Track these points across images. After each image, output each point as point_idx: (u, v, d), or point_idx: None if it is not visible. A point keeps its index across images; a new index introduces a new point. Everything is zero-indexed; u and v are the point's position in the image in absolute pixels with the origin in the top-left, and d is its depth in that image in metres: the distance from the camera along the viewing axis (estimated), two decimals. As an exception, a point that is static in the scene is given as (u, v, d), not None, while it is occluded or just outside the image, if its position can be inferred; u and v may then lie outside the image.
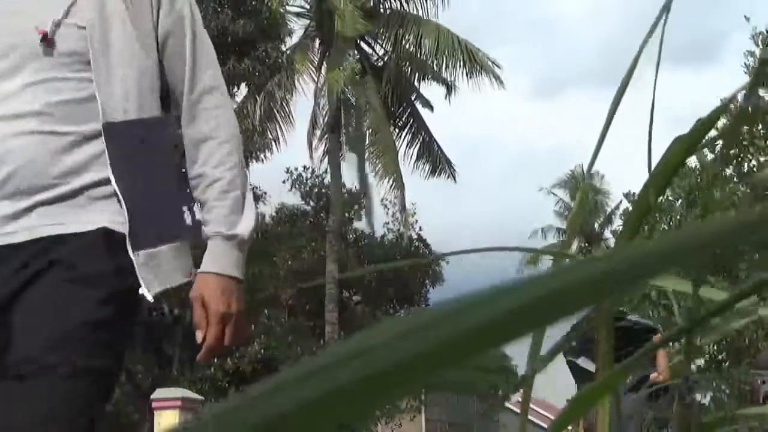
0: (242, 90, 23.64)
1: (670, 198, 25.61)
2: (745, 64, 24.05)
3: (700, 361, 24.66)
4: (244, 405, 0.31)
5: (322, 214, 30.65)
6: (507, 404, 57.29)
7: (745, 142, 24.37)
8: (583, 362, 5.89)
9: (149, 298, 2.31)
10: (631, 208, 0.81)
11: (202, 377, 25.96)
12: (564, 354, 6.40)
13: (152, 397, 18.59)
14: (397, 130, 27.95)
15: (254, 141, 22.31)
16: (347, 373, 0.31)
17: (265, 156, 22.81)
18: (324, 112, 27.69)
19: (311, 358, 0.32)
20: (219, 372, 26.67)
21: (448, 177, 28.35)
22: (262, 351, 26.61)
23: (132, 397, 20.47)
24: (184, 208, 2.58)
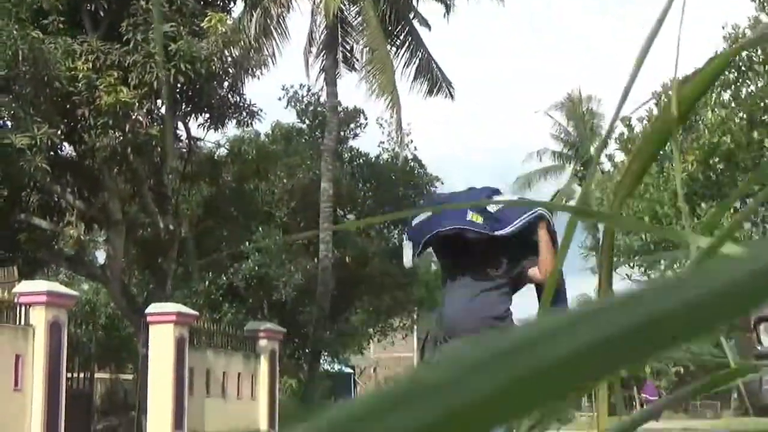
0: (239, 5, 23.40)
1: (666, 122, 25.54)
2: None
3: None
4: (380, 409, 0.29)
5: (317, 132, 30.57)
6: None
7: (743, 67, 24.24)
8: (406, 246, 5.97)
9: None
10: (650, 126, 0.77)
11: (196, 292, 26.13)
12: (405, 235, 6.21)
13: (147, 311, 18.78)
14: (394, 49, 27.75)
15: (250, 57, 22.12)
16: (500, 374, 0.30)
17: (261, 72, 22.60)
18: (320, 29, 27.48)
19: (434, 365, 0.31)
20: (213, 287, 26.83)
21: (446, 96, 28.23)
22: (256, 268, 26.76)
23: (127, 311, 20.60)
24: None
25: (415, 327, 39.02)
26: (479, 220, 5.99)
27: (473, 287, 6.11)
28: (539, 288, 6.19)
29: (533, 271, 6.08)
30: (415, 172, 31.87)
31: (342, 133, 30.48)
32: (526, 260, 6.10)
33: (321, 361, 30.29)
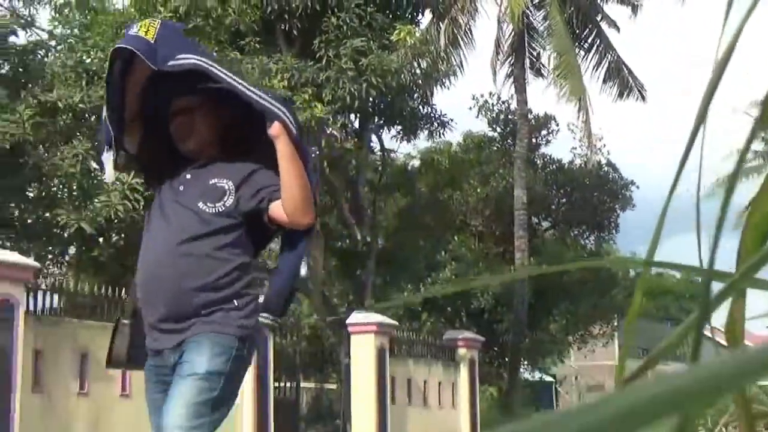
0: (426, 16, 23.69)
1: None
2: None
3: None
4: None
5: (509, 140, 30.49)
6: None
7: None
8: (106, 159, 3.95)
9: None
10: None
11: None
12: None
13: (348, 321, 19.14)
14: (582, 52, 27.41)
15: (438, 67, 22.31)
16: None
17: (450, 82, 22.79)
18: (507, 36, 27.42)
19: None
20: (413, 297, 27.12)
21: (636, 99, 27.68)
22: (453, 277, 26.90)
23: (329, 322, 21.07)
24: None
25: (616, 335, 38.30)
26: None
27: (176, 232, 3.81)
28: (288, 235, 4.00)
29: (275, 208, 3.85)
30: (609, 176, 31.36)
31: (534, 140, 30.31)
32: (268, 188, 3.89)
33: (521, 369, 30.16)
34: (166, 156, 4.02)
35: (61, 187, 16.82)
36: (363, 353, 18.83)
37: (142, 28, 3.79)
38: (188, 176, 3.93)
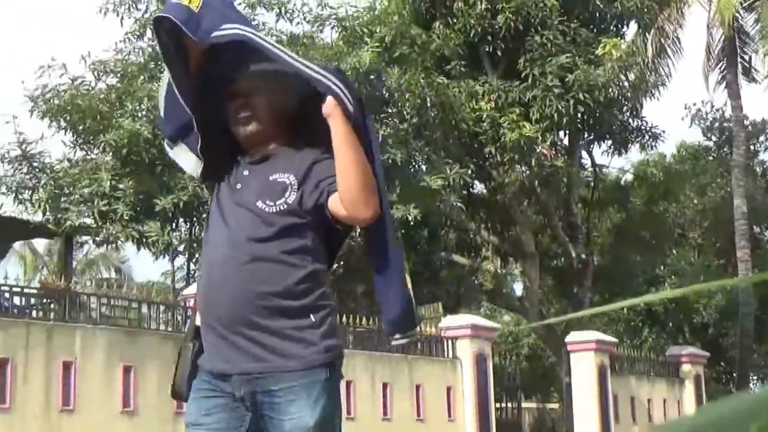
0: (631, 27, 23.36)
1: None
2: None
3: None
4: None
5: (725, 149, 29.60)
6: None
7: None
8: (178, 153, 3.56)
9: None
10: None
11: (615, 319, 26.06)
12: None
13: (567, 339, 18.99)
14: (802, 53, 26.34)
15: (647, 79, 21.92)
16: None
17: (659, 93, 22.35)
18: (716, 42, 26.65)
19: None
20: (632, 313, 26.65)
21: None
22: (673, 291, 26.31)
23: (548, 340, 20.95)
24: None
25: None
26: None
27: (237, 236, 3.34)
28: (374, 234, 3.42)
29: (333, 201, 3.28)
30: None
31: (751, 147, 29.29)
32: (327, 179, 3.32)
33: (751, 384, 29.03)
34: (223, 149, 3.52)
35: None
36: (583, 371, 18.62)
37: None
38: (246, 173, 3.44)
